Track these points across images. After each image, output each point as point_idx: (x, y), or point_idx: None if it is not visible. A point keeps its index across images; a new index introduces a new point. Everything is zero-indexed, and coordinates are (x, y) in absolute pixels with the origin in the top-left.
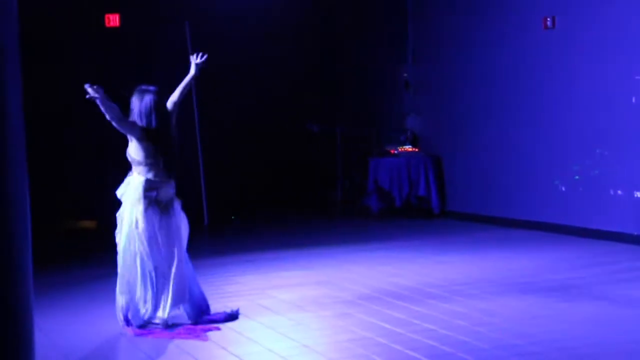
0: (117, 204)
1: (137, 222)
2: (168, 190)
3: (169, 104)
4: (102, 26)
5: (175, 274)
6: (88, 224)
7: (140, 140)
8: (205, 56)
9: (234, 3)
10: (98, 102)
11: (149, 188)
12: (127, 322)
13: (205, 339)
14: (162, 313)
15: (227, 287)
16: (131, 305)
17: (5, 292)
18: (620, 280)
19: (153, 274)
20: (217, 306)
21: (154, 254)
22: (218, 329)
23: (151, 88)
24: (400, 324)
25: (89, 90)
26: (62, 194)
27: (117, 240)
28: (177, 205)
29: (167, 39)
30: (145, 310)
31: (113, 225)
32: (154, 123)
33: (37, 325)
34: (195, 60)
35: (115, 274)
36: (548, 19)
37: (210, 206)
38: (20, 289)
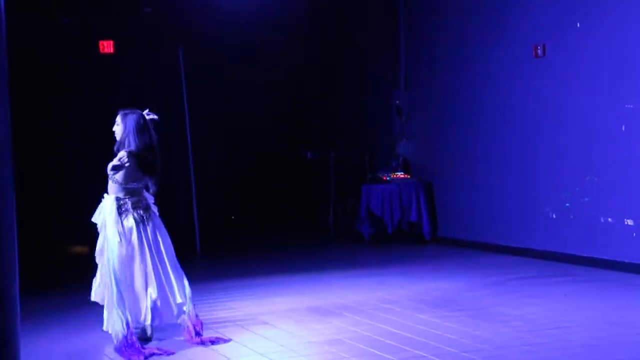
0: None
1: (119, 234)
2: (141, 202)
3: None
4: (97, 53)
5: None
6: (80, 249)
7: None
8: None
9: (228, 29)
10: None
11: (121, 203)
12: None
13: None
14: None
15: (218, 313)
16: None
17: None
18: (613, 307)
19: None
20: (208, 332)
21: (143, 259)
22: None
23: (137, 111)
24: (391, 350)
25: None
26: (55, 220)
27: (100, 261)
28: (155, 214)
29: (161, 64)
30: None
31: None
32: (144, 142)
33: (25, 351)
34: None
35: None
36: (539, 47)
37: (202, 232)
38: (6, 314)
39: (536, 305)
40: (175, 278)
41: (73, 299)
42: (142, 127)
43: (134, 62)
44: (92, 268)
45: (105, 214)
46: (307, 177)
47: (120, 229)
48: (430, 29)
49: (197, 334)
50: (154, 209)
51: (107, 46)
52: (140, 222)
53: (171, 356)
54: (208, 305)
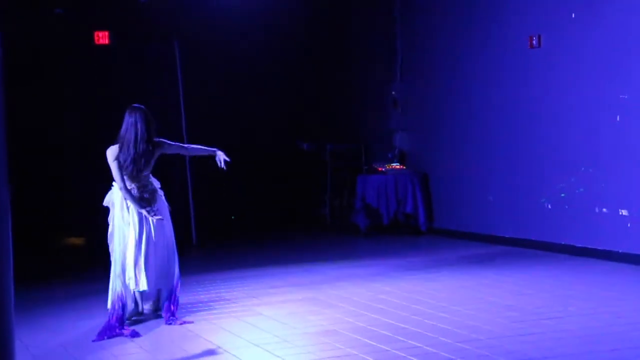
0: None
1: (124, 219)
2: (147, 187)
3: (174, 146)
4: (92, 43)
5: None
6: (76, 240)
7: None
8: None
9: (223, 22)
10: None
11: (128, 189)
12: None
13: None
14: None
15: (213, 304)
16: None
17: None
18: (608, 297)
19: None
20: (201, 322)
21: (141, 239)
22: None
23: (141, 107)
24: (386, 340)
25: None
26: (52, 211)
27: (111, 244)
28: (160, 198)
29: (156, 56)
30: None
31: (102, 242)
32: (142, 139)
33: (21, 343)
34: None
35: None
36: (534, 38)
37: (198, 224)
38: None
39: (531, 295)
40: (164, 267)
41: (69, 290)
42: (143, 124)
43: (130, 54)
44: (88, 259)
45: (114, 199)
46: (303, 170)
47: (126, 213)
48: (425, 20)
49: (172, 314)
50: (160, 193)
51: (102, 37)
52: (144, 207)
53: (136, 338)
54: (203, 296)
